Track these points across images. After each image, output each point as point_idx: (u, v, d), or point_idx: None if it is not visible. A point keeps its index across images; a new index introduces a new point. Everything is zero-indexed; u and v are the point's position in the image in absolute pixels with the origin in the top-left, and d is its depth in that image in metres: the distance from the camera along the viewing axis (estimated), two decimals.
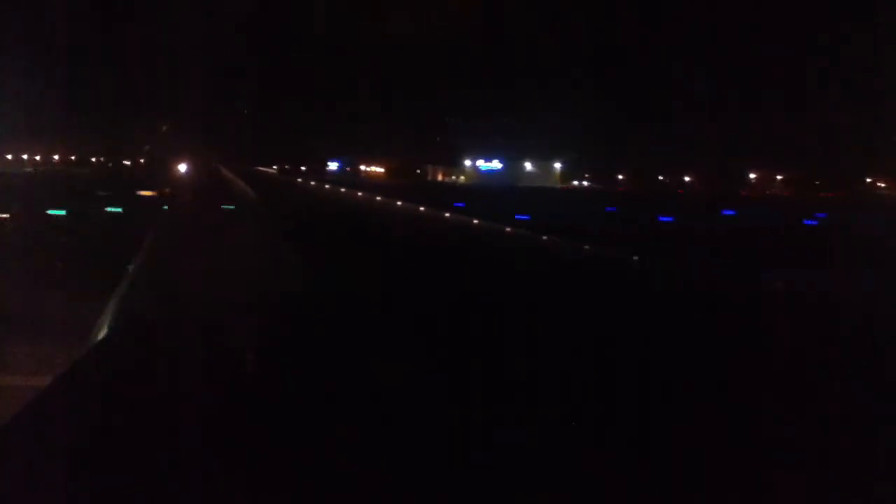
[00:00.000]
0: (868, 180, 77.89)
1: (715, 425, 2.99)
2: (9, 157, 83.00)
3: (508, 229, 13.14)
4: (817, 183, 74.53)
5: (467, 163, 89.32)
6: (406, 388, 3.34)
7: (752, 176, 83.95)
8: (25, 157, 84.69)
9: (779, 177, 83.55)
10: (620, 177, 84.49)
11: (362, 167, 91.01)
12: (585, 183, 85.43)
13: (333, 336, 4.35)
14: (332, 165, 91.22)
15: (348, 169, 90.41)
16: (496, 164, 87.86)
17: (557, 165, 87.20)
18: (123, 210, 36.34)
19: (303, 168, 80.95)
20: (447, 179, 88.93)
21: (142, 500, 2.37)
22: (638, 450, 2.71)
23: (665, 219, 39.53)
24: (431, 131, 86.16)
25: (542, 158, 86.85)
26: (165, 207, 24.54)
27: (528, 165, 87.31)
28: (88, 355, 4.51)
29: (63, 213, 35.67)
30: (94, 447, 2.71)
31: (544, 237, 11.44)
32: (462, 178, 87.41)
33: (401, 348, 4.03)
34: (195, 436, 2.77)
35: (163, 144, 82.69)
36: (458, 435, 2.79)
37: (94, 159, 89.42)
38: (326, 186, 34.89)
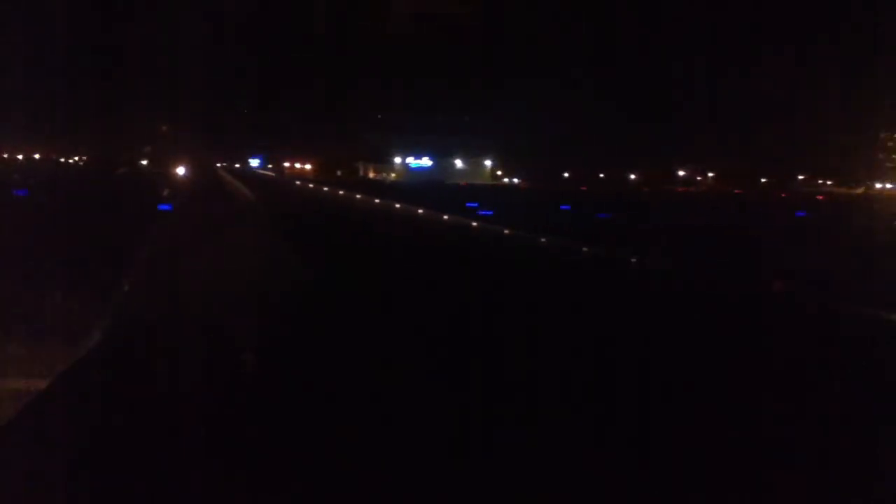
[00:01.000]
0: (800, 177, 78.79)
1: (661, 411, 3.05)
2: (5, 155, 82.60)
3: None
4: (764, 180, 75.40)
5: (397, 160, 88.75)
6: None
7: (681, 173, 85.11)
8: (20, 156, 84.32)
9: (710, 174, 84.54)
10: (566, 175, 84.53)
11: (286, 164, 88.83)
12: (516, 180, 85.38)
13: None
14: (253, 162, 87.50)
15: (270, 166, 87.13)
16: (426, 161, 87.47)
17: (487, 163, 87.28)
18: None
19: (218, 165, 76.38)
20: (377, 176, 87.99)
21: (141, 501, 2.37)
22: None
23: (603, 215, 39.86)
24: (362, 128, 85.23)
25: (472, 155, 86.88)
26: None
27: (458, 162, 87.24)
28: (88, 356, 4.51)
29: None
30: (93, 448, 2.71)
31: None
32: (392, 174, 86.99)
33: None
34: (194, 437, 2.77)
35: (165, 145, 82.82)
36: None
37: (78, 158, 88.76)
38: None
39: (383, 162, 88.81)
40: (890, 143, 69.89)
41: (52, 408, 3.27)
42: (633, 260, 9.10)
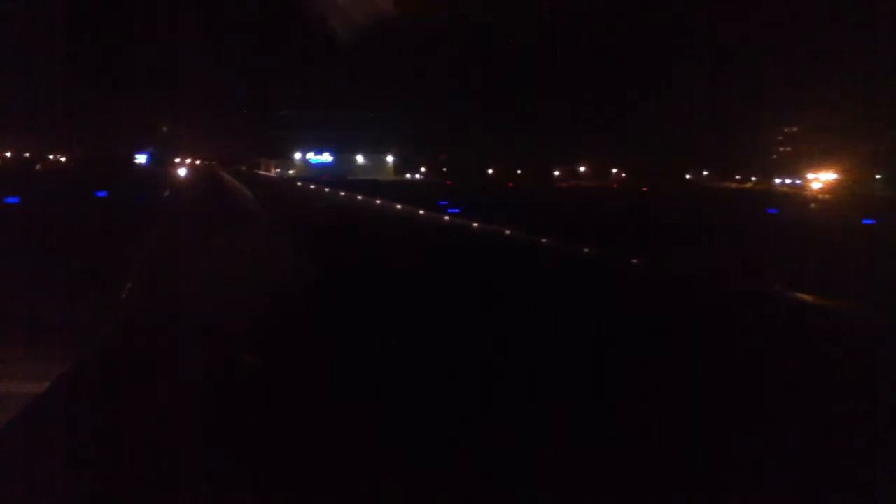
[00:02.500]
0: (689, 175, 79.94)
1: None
2: (7, 154, 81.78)
3: None
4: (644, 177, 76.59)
5: (297, 155, 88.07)
6: None
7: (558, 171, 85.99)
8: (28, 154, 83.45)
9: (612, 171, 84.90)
10: (490, 171, 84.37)
11: (177, 159, 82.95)
12: (418, 176, 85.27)
13: None
14: (140, 158, 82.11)
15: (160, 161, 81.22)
16: (327, 157, 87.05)
17: (389, 159, 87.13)
18: None
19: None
20: (277, 172, 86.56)
21: (141, 502, 2.37)
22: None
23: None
24: (262, 123, 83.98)
25: (375, 152, 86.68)
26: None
27: (359, 158, 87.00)
28: (87, 357, 4.50)
29: None
30: (92, 449, 2.70)
31: None
32: (292, 171, 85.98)
33: None
34: (194, 437, 2.77)
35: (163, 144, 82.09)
36: None
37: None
38: None
39: (285, 158, 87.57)
40: (780, 137, 70.66)
41: (51, 409, 3.26)
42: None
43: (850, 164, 60.66)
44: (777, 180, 71.36)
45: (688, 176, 78.21)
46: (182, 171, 54.25)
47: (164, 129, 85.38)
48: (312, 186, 35.19)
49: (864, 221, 27.59)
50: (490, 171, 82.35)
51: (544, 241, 10.30)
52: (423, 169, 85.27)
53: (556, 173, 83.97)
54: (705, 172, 79.27)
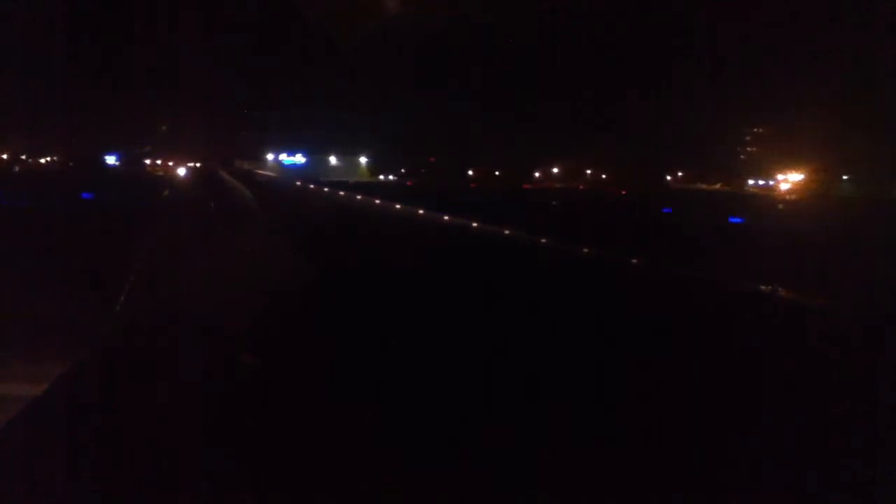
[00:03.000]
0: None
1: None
2: (4, 156, 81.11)
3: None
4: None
5: (269, 157, 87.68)
6: None
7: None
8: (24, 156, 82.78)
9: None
10: (471, 172, 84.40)
11: (147, 161, 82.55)
12: (392, 177, 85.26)
13: None
14: (110, 159, 79.99)
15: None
16: (299, 159, 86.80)
17: (363, 160, 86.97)
18: None
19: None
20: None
21: (141, 503, 2.38)
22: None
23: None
24: (235, 124, 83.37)
25: (348, 153, 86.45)
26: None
27: (332, 159, 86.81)
28: (87, 357, 4.50)
29: None
30: (91, 451, 2.71)
31: None
32: (261, 172, 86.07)
33: None
34: (195, 438, 2.77)
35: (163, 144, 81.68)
36: None
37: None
38: None
39: (258, 159, 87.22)
40: (748, 138, 71.10)
41: (51, 409, 3.27)
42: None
43: (817, 166, 61.29)
44: (751, 181, 71.80)
45: (669, 178, 78.41)
46: (182, 171, 54.24)
47: (163, 128, 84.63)
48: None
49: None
50: (471, 172, 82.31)
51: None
52: (402, 170, 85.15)
53: (537, 174, 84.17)
54: (680, 174, 79.55)
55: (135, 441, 2.77)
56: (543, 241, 10.54)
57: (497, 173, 79.96)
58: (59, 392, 3.57)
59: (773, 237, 22.13)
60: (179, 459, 2.58)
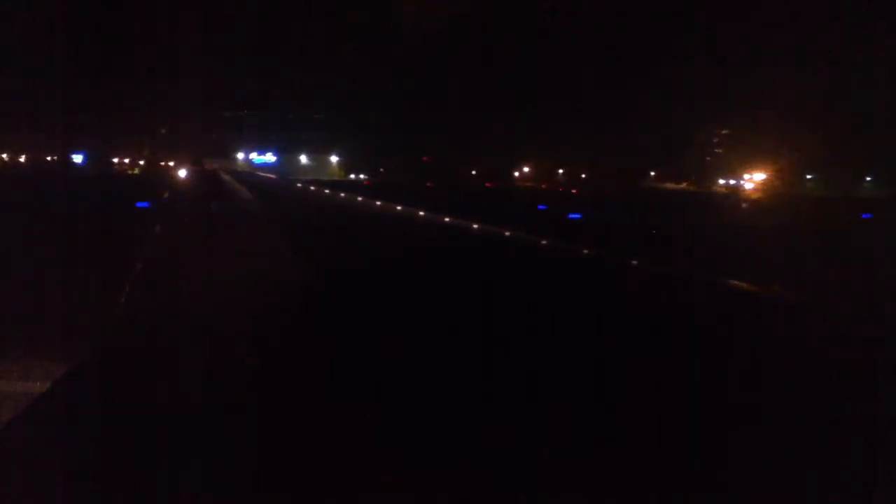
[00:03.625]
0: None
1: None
2: (4, 156, 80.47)
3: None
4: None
5: (240, 156, 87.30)
6: None
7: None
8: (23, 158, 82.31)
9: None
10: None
11: (115, 160, 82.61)
12: (362, 176, 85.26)
13: None
14: (77, 157, 78.98)
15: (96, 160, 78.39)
16: (270, 157, 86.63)
17: (334, 159, 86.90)
18: None
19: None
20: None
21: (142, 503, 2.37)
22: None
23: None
24: (206, 123, 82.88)
25: (318, 152, 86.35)
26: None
27: (303, 158, 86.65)
28: (87, 357, 4.51)
29: None
30: (92, 450, 2.71)
31: None
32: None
33: None
34: (195, 437, 2.77)
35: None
36: None
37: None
38: None
39: (228, 158, 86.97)
40: (715, 140, 71.81)
41: (52, 409, 3.27)
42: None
43: (780, 165, 62.16)
44: (721, 181, 72.39)
45: (652, 174, 78.71)
46: (182, 173, 54.20)
47: (163, 131, 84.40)
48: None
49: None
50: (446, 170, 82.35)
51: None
52: (381, 170, 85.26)
53: (517, 174, 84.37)
54: (652, 173, 79.94)
55: (135, 441, 2.77)
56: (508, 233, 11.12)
57: (474, 172, 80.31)
58: (59, 392, 3.57)
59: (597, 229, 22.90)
60: (179, 459, 2.58)
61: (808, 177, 64.40)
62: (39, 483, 2.48)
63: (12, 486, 2.44)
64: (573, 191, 58.63)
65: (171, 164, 77.31)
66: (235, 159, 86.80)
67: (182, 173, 54.08)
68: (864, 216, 35.15)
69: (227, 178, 42.87)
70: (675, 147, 70.95)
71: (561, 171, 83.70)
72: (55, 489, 2.42)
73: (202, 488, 2.39)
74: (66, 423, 2.94)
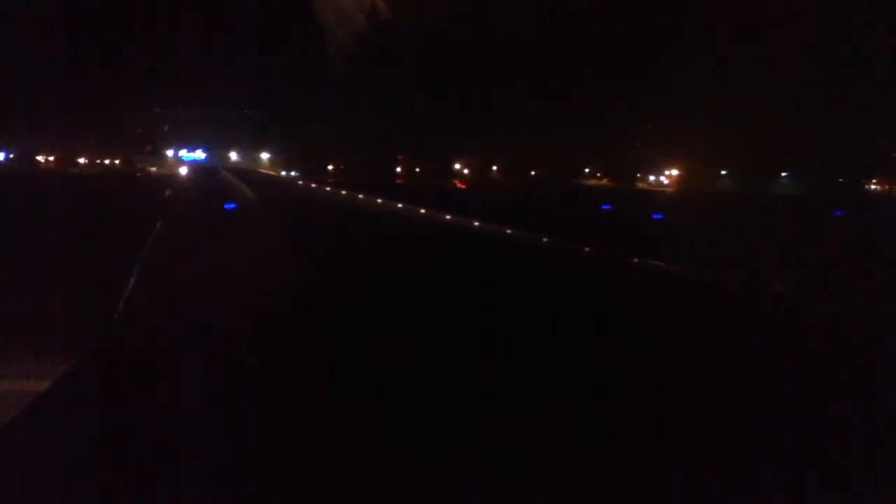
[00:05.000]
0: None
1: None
2: None
3: None
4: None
5: (169, 153, 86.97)
6: None
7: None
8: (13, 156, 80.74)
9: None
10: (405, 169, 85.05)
11: (40, 157, 78.18)
12: (293, 173, 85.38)
13: None
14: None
15: (12, 157, 74.76)
16: (200, 154, 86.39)
17: (265, 155, 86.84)
18: None
19: None
20: (151, 170, 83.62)
21: (142, 502, 2.38)
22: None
23: None
24: (137, 121, 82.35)
25: (249, 149, 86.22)
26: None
27: (233, 155, 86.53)
28: (87, 357, 4.51)
29: None
30: (92, 450, 2.71)
31: None
32: (154, 168, 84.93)
33: None
34: (196, 437, 2.77)
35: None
36: None
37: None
38: None
39: (158, 155, 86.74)
40: (638, 143, 73.10)
41: (52, 409, 3.27)
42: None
43: (693, 162, 64.16)
44: (652, 177, 73.77)
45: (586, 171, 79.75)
46: (183, 171, 54.18)
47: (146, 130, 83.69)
48: None
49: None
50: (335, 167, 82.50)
51: None
52: (331, 168, 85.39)
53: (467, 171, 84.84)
54: (587, 170, 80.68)
55: (135, 441, 2.77)
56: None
57: (399, 169, 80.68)
58: (59, 392, 3.57)
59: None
60: (179, 459, 2.58)
61: (723, 172, 66.10)
62: (39, 483, 2.48)
63: (12, 486, 2.44)
64: (461, 185, 60.58)
65: (108, 161, 76.82)
66: (164, 156, 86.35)
67: (183, 171, 54.06)
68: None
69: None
70: (609, 146, 72.23)
71: (495, 167, 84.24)
72: (55, 489, 2.42)
73: (202, 488, 2.39)
74: (66, 423, 2.94)
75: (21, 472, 2.53)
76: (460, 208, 17.39)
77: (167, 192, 26.50)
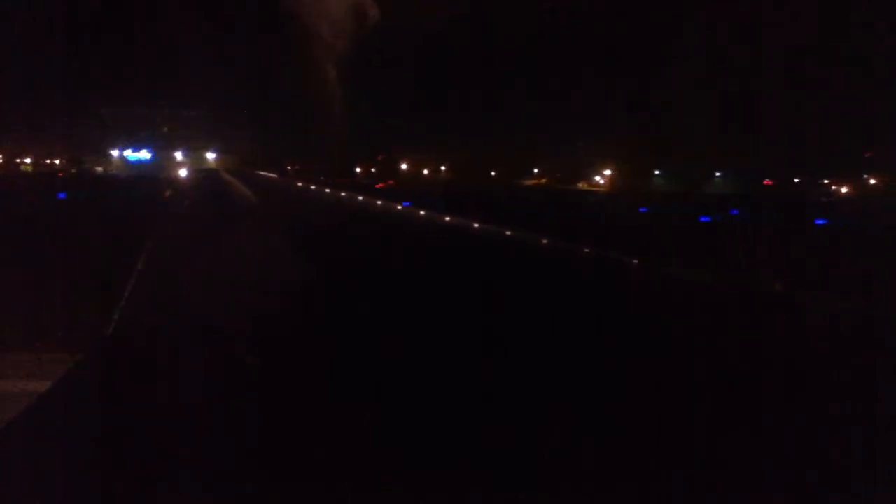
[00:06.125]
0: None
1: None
2: None
3: None
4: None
5: (115, 153, 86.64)
6: None
7: None
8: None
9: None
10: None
11: None
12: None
13: None
14: None
15: None
16: (145, 155, 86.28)
17: (211, 156, 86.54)
18: None
19: None
20: (97, 170, 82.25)
21: (142, 502, 2.38)
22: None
23: None
24: (83, 120, 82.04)
25: (195, 149, 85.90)
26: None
27: (178, 155, 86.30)
28: (87, 357, 4.51)
29: None
30: (92, 450, 2.71)
31: None
32: (99, 168, 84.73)
33: None
34: (195, 437, 2.77)
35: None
36: None
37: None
38: None
39: (104, 156, 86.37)
40: (581, 144, 74.52)
41: (52, 409, 3.27)
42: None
43: (626, 163, 66.29)
44: (598, 178, 75.30)
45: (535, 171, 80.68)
46: (183, 172, 54.21)
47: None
48: None
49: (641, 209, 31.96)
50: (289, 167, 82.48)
51: None
52: (289, 167, 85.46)
53: (426, 172, 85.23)
54: (536, 170, 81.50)
55: (135, 441, 2.77)
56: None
57: (374, 170, 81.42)
58: (59, 391, 3.57)
59: None
60: (179, 459, 2.58)
61: (657, 172, 67.56)
62: (39, 483, 2.48)
63: (12, 485, 2.44)
64: (391, 182, 61.75)
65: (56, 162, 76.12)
66: (109, 156, 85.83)
67: (183, 172, 54.01)
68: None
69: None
70: (552, 147, 73.54)
71: (443, 167, 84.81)
72: (55, 489, 2.42)
73: (202, 488, 2.39)
74: (66, 423, 2.94)
75: (21, 472, 2.53)
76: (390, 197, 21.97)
77: (167, 193, 26.49)
